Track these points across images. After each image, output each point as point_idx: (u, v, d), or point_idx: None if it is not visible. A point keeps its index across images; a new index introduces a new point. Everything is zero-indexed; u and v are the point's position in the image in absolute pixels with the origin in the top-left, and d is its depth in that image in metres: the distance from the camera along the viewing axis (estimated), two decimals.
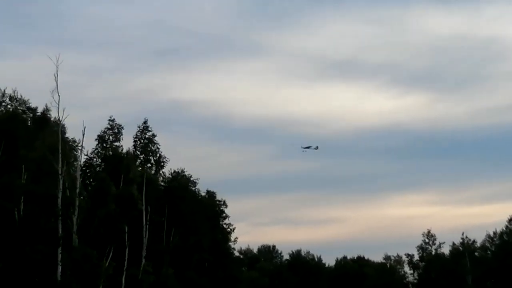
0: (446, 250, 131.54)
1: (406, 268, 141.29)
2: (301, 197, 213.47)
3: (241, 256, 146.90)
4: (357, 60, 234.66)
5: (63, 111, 57.29)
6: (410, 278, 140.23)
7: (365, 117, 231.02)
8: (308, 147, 77.75)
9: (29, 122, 76.43)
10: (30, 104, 77.79)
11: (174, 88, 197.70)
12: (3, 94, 74.81)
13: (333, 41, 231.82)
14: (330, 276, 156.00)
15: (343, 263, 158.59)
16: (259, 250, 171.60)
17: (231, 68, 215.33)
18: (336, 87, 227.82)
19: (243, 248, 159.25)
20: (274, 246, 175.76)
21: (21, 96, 76.27)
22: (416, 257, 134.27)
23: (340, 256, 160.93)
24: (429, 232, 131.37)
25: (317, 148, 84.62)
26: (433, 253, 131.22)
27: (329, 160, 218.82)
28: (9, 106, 74.85)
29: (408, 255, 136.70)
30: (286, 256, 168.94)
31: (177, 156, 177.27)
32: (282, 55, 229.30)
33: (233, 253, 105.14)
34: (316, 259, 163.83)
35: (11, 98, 75.37)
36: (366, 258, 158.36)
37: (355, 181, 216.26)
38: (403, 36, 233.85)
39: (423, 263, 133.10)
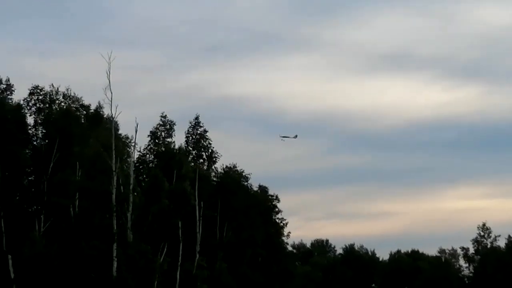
0: (502, 243, 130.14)
1: (461, 262, 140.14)
2: (354, 191, 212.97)
3: (294, 251, 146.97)
4: (409, 52, 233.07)
5: (116, 108, 57.82)
6: (466, 272, 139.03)
7: (418, 110, 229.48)
8: (286, 136, 76.32)
9: (83, 119, 77.17)
10: (83, 102, 78.54)
11: (225, 83, 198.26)
12: (57, 92, 75.58)
13: (384, 34, 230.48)
14: (384, 270, 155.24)
15: (397, 257, 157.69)
16: (312, 244, 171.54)
17: (281, 63, 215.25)
18: (388, 80, 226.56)
19: (296, 242, 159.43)
20: (327, 240, 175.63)
21: (74, 94, 77.04)
22: (472, 251, 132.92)
23: (394, 250, 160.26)
24: (484, 225, 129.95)
25: (295, 137, 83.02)
26: (488, 246, 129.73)
27: (382, 154, 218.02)
28: (62, 104, 75.62)
29: (463, 248, 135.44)
30: (339, 251, 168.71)
31: (229, 151, 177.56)
32: (332, 48, 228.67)
33: (286, 248, 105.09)
34: (369, 253, 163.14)
35: (64, 96, 76.13)
36: (420, 251, 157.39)
37: (409, 174, 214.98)
38: (455, 28, 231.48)
39: (478, 257, 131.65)
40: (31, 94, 74.58)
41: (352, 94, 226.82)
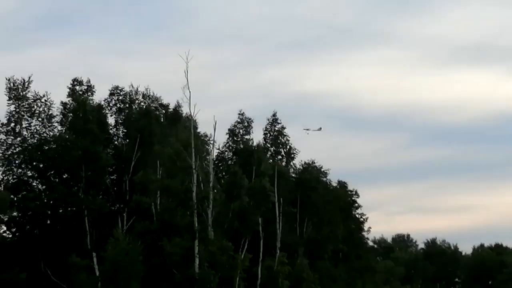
0: None
1: None
2: (434, 185, 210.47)
3: (375, 246, 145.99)
4: (489, 44, 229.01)
5: (194, 106, 58.37)
6: None
7: (499, 102, 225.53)
8: (308, 129, 74.09)
9: (162, 118, 78.15)
10: (162, 101, 79.58)
11: (302, 79, 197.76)
12: (136, 92, 76.73)
13: (462, 25, 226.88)
14: (467, 265, 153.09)
15: (480, 252, 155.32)
16: (393, 239, 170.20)
17: (357, 58, 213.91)
18: (468, 72, 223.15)
19: (377, 237, 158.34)
20: (408, 235, 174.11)
21: (154, 94, 78.10)
22: None
23: (476, 244, 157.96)
24: None
25: (320, 129, 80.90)
26: None
27: (462, 147, 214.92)
28: (142, 104, 76.72)
29: None
30: (421, 245, 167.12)
31: (307, 147, 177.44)
32: (409, 42, 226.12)
33: (367, 243, 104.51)
34: (452, 248, 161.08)
35: (144, 95, 77.20)
36: (504, 245, 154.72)
37: (492, 167, 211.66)
38: None
39: None
40: (111, 94, 75.93)
41: (430, 87, 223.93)
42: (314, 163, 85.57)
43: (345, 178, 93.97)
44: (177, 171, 60.89)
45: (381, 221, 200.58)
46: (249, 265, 59.03)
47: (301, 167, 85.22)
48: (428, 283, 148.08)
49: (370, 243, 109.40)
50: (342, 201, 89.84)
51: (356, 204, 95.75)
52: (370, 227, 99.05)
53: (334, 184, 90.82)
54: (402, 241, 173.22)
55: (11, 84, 70.72)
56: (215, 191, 58.80)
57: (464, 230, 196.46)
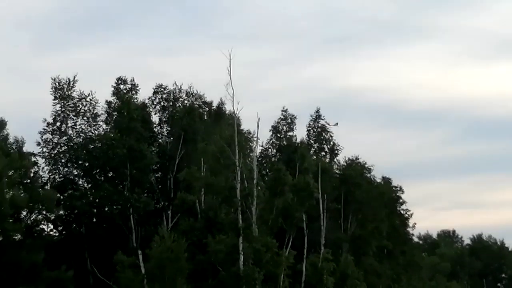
0: None
1: None
2: (479, 180, 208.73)
3: (421, 242, 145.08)
4: None
5: (238, 104, 58.46)
6: None
7: None
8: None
9: (206, 116, 78.53)
10: (206, 99, 79.98)
11: (345, 75, 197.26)
12: (180, 90, 77.21)
13: (506, 19, 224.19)
14: None
15: None
16: (438, 235, 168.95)
17: (402, 52, 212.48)
18: None
19: (422, 233, 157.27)
20: (454, 231, 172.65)
21: (197, 91, 78.51)
22: None
23: None
24: None
25: (336, 124, 79.09)
26: None
27: (508, 141, 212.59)
28: (186, 102, 77.18)
29: None
30: (466, 241, 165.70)
31: (351, 143, 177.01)
32: (453, 35, 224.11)
33: (412, 239, 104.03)
34: (498, 243, 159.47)
35: (187, 93, 77.67)
36: None
37: None
38: None
39: None
40: (155, 92, 76.54)
41: (476, 80, 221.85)
42: (358, 159, 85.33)
43: (389, 174, 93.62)
44: (221, 169, 61.11)
45: (426, 216, 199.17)
46: (293, 262, 59.05)
47: (345, 163, 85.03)
48: (475, 279, 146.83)
49: (415, 239, 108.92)
50: (387, 197, 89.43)
51: (401, 200, 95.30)
52: (415, 223, 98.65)
53: (379, 180, 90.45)
54: (448, 236, 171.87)
55: (57, 84, 71.55)
56: (259, 188, 58.93)
57: (510, 225, 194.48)
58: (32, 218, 64.95)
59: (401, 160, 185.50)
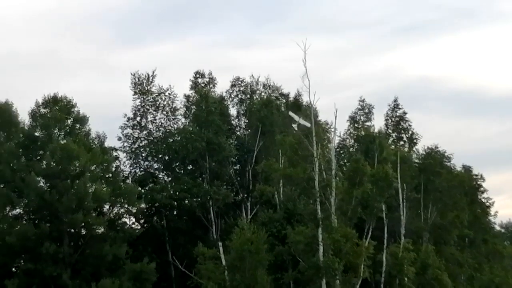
0: None
1: None
2: None
3: (503, 230, 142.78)
4: None
5: (314, 95, 58.34)
6: None
7: None
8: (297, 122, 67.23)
9: (283, 107, 78.80)
10: (283, 91, 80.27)
11: (423, 64, 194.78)
12: (257, 83, 77.66)
13: None
14: None
15: None
16: None
17: (480, 38, 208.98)
18: None
19: (504, 221, 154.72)
20: None
21: (274, 83, 78.84)
22: None
23: None
24: None
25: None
26: None
27: None
28: (263, 94, 77.58)
29: None
30: None
31: (430, 132, 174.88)
32: None
33: (493, 228, 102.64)
34: None
35: (264, 85, 78.10)
36: None
37: None
38: None
39: None
40: (232, 85, 77.15)
41: None
42: (437, 147, 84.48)
43: (469, 162, 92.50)
44: (298, 160, 61.23)
45: (508, 204, 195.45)
46: (373, 252, 58.88)
47: (424, 152, 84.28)
48: None
49: (497, 228, 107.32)
50: (467, 185, 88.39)
51: (482, 189, 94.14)
52: (496, 211, 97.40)
53: (459, 169, 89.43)
54: None
55: (136, 79, 72.74)
56: (338, 178, 58.85)
57: None
58: (114, 212, 66.20)
59: (481, 148, 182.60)
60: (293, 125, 62.53)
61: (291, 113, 64.74)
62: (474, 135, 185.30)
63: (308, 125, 60.02)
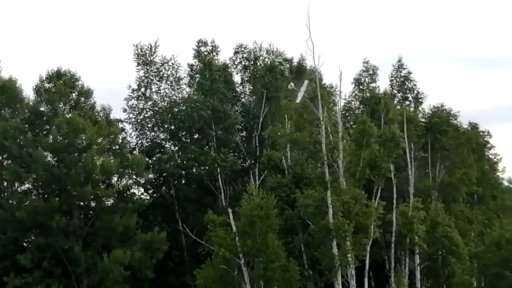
0: None
1: None
2: None
3: (511, 186, 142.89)
4: None
5: (318, 58, 58.12)
6: None
7: None
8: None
9: (287, 72, 78.69)
10: (286, 56, 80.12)
11: (425, 22, 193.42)
12: (260, 49, 77.51)
13: None
14: None
15: None
16: None
17: None
18: None
19: None
20: None
21: (277, 49, 78.66)
22: None
23: None
24: None
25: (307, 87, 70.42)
26: None
27: None
28: (266, 60, 77.45)
29: None
30: None
31: (435, 91, 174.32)
32: None
33: (502, 183, 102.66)
34: None
35: (267, 51, 77.95)
36: None
37: None
38: None
39: None
40: (236, 53, 76.97)
41: None
42: (443, 106, 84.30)
43: (476, 119, 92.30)
44: (305, 124, 61.20)
45: None
46: (383, 213, 58.94)
47: (430, 111, 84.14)
48: None
49: (505, 183, 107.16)
50: (474, 142, 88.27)
51: (489, 145, 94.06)
52: (504, 167, 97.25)
53: (465, 126, 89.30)
54: None
55: (139, 50, 72.65)
56: (345, 141, 58.77)
57: None
58: (122, 183, 66.58)
59: (488, 104, 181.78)
60: (298, 95, 62.32)
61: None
62: (482, 91, 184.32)
63: (307, 88, 59.90)
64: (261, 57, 77.34)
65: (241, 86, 77.67)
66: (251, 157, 73.28)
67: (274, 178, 63.28)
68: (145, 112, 72.65)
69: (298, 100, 62.01)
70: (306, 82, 60.54)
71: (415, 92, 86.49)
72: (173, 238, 65.85)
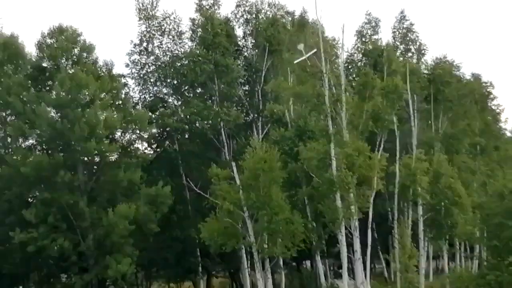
0: None
1: None
2: None
3: None
4: None
5: (321, 11, 57.90)
6: None
7: None
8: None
9: (289, 26, 78.37)
10: (288, 9, 79.71)
11: None
12: (262, 2, 77.12)
13: None
14: None
15: None
16: None
17: None
18: None
19: None
20: None
21: (279, 2, 78.26)
22: None
23: None
24: None
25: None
26: None
27: None
28: (268, 13, 77.06)
29: None
30: None
31: (438, 42, 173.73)
32: None
33: (505, 134, 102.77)
34: None
35: (269, 4, 77.56)
36: None
37: None
38: None
39: None
40: (237, 6, 76.56)
41: None
42: (446, 57, 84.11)
43: (479, 70, 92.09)
44: (307, 77, 61.15)
45: None
46: (386, 165, 59.14)
47: (433, 63, 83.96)
48: None
49: (508, 134, 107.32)
50: (477, 93, 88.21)
51: (492, 96, 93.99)
52: (507, 118, 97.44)
53: (468, 77, 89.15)
54: None
55: (140, 5, 72.34)
56: (347, 93, 58.75)
57: None
58: (126, 138, 66.72)
59: (491, 55, 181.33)
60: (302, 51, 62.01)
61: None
62: (483, 43, 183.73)
63: (313, 50, 59.71)
64: (263, 10, 76.94)
65: (243, 40, 77.41)
66: (254, 110, 73.31)
67: (277, 131, 63.45)
68: (147, 67, 72.54)
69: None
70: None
71: (418, 43, 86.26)
72: (177, 192, 66.13)
